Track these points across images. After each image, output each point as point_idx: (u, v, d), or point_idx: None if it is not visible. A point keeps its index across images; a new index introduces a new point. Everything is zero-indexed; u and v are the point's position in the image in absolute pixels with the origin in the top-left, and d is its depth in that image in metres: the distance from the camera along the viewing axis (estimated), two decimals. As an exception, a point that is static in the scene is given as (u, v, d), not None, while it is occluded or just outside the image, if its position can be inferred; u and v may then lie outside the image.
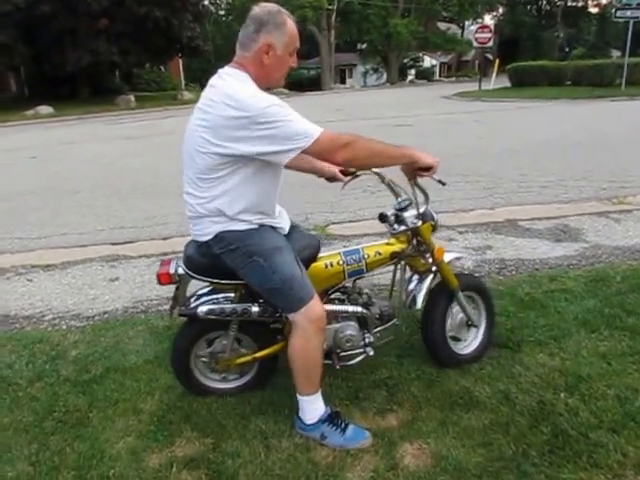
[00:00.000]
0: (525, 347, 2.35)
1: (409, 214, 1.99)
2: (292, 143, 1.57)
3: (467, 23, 45.26)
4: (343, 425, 1.86)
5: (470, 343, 2.28)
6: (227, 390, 2.12)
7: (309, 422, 1.86)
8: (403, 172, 1.89)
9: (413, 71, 44.63)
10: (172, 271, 1.91)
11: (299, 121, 1.59)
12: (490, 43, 22.76)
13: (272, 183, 1.79)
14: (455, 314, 2.21)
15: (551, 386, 2.06)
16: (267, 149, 1.60)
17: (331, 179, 2.13)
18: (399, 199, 2.05)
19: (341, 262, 1.95)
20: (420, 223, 2.00)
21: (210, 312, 1.90)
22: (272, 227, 1.83)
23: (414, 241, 2.06)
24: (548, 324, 2.54)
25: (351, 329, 2.01)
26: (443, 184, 1.95)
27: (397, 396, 2.06)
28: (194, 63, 32.55)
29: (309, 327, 1.75)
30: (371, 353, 2.05)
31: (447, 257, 2.15)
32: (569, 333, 2.45)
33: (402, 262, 2.09)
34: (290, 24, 1.68)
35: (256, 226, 1.77)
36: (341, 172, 2.12)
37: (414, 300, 2.11)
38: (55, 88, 24.43)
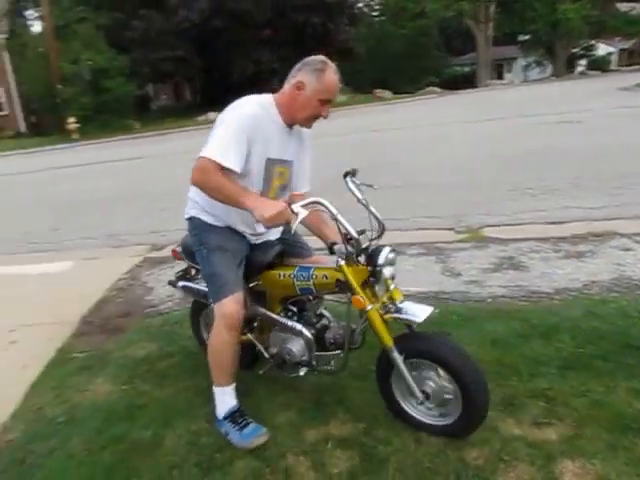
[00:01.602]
0: None
1: (341, 247, 1.78)
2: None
3: (656, 1, 38.93)
4: (243, 423, 1.95)
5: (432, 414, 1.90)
6: None
7: (219, 417, 2.00)
8: None
9: (584, 61, 39.95)
10: (179, 249, 2.28)
11: (219, 140, 1.77)
12: (689, 23, 19.33)
13: None
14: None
15: None
16: None
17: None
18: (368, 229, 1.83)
19: (292, 276, 1.96)
20: (342, 262, 1.77)
21: (183, 288, 2.36)
22: (235, 231, 2.03)
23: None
24: None
25: (294, 344, 2.02)
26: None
27: (557, 410, 1.94)
28: (346, 67, 33.53)
29: (219, 321, 1.91)
30: (301, 373, 2.05)
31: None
32: None
33: (349, 293, 1.82)
34: (329, 76, 1.80)
35: (221, 224, 2.01)
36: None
37: (353, 339, 1.93)
38: (222, 96, 27.28)
